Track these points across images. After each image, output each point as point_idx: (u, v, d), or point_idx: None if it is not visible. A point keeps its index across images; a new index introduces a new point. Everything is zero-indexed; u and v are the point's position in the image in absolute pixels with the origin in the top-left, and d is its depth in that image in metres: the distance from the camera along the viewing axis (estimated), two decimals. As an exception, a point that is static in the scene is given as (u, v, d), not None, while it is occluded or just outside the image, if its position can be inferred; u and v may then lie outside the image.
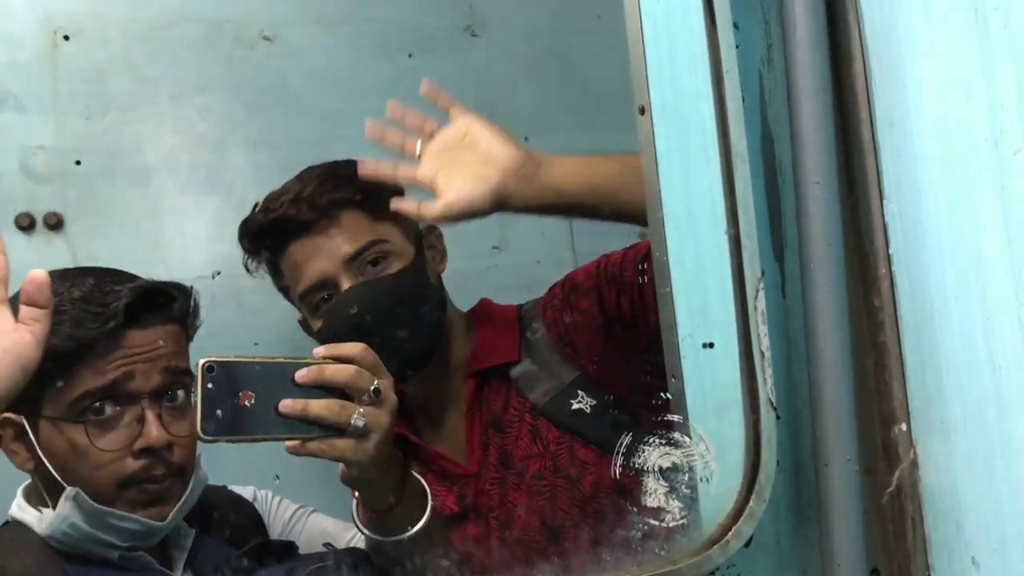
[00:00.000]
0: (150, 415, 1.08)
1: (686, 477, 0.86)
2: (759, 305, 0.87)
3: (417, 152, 1.24)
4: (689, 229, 0.93)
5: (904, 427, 0.90)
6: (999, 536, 0.82)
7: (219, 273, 1.82)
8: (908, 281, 0.90)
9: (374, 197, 1.39)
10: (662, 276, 0.94)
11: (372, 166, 1.27)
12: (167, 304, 1.13)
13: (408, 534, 1.07)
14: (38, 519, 1.09)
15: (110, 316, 1.07)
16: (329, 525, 1.34)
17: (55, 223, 1.81)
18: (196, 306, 1.18)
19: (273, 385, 0.93)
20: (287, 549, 1.18)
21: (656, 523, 0.85)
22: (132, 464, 1.07)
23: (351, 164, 1.44)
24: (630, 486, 0.86)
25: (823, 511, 0.89)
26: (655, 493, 0.86)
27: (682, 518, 0.85)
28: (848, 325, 0.90)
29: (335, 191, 1.39)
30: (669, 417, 0.86)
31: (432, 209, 1.18)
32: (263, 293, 1.90)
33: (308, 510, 1.36)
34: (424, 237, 1.45)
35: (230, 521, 1.25)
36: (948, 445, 0.87)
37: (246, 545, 1.17)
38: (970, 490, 0.85)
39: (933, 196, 0.86)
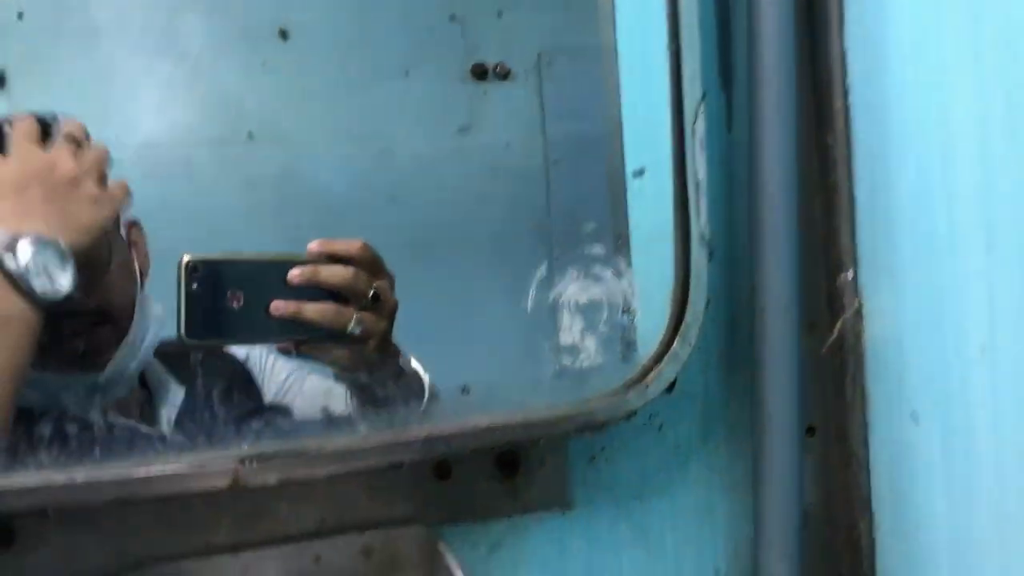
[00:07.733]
0: None
1: (605, 314, 0.78)
2: (697, 130, 0.78)
3: None
4: (642, 51, 0.84)
5: (851, 275, 0.82)
6: (943, 389, 0.75)
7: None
8: (866, 115, 0.81)
9: None
10: (611, 102, 0.86)
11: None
12: None
13: None
14: None
15: None
16: (327, 388, 1.28)
17: (-4, 81, 1.72)
18: None
19: (263, 285, 0.88)
20: (281, 415, 1.12)
21: (570, 361, 0.77)
22: None
23: None
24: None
25: (757, 361, 0.82)
26: (570, 330, 0.78)
27: (598, 357, 0.77)
28: (796, 161, 0.81)
29: None
30: (590, 249, 0.78)
31: None
32: (217, 164, 1.82)
33: (304, 372, 1.30)
34: None
35: (222, 381, 1.19)
36: (895, 291, 0.79)
37: (238, 407, 1.11)
38: (915, 340, 0.77)
39: (899, 13, 0.77)
